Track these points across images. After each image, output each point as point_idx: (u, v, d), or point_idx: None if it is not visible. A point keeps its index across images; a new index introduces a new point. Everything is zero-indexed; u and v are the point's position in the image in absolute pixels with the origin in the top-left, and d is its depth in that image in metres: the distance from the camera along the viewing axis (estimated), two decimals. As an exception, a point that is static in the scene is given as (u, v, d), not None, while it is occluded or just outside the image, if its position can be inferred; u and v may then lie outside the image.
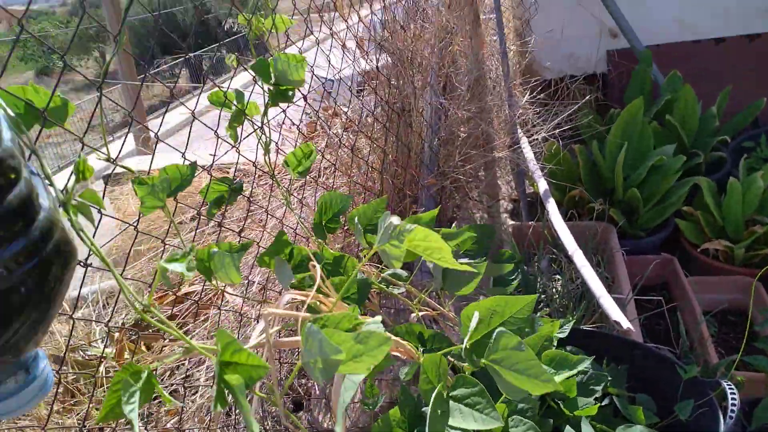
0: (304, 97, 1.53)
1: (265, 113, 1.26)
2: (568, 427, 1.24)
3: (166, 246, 1.20)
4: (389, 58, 1.98)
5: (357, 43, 2.27)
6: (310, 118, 2.82)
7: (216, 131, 1.21)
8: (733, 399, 1.34)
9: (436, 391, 0.76)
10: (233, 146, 1.26)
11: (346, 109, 2.10)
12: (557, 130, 2.01)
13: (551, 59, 2.90)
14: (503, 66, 2.32)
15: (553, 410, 1.39)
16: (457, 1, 2.13)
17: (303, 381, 1.80)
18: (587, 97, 2.28)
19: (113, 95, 9.31)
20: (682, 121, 2.47)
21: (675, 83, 2.57)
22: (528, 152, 2.15)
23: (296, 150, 1.26)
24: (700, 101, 2.53)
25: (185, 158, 1.07)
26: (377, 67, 1.75)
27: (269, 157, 1.28)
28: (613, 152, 2.24)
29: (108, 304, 2.40)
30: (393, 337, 0.82)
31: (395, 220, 0.69)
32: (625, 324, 1.32)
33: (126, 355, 1.91)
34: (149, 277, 2.41)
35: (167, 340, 1.86)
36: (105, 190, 1.33)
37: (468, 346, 0.78)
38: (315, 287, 0.77)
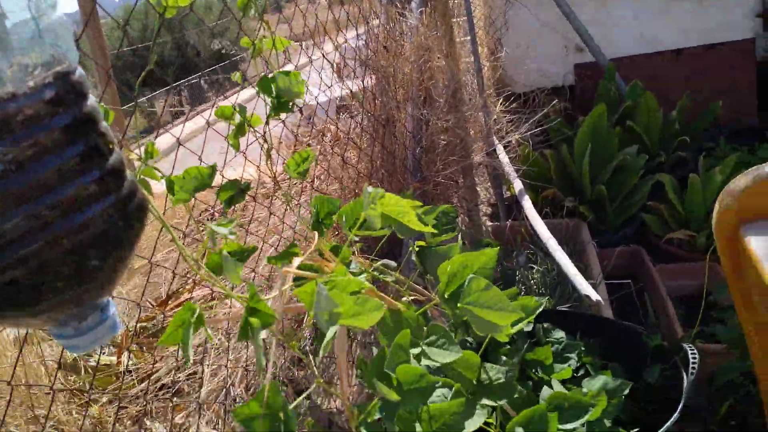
0: (300, 110, 1.70)
1: (267, 122, 1.42)
2: (545, 387, 1.40)
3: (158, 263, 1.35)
4: (373, 76, 2.17)
5: (337, 67, 2.45)
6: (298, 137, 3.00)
7: (200, 156, 1.38)
8: (693, 358, 1.50)
9: (399, 335, 0.92)
10: (241, 152, 1.43)
11: (333, 126, 2.28)
12: (528, 132, 2.19)
13: (522, 73, 3.11)
14: (478, 79, 2.51)
15: (532, 379, 1.55)
16: (432, 20, 2.33)
17: (303, 372, 1.94)
18: (554, 101, 2.48)
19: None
20: (645, 125, 2.68)
21: (636, 91, 2.78)
22: (503, 156, 2.34)
23: (295, 155, 1.43)
24: (661, 107, 2.74)
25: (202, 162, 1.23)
26: (362, 81, 1.92)
27: (270, 163, 1.44)
28: (581, 154, 2.43)
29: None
30: (384, 297, 0.98)
31: (370, 189, 0.85)
32: (594, 296, 1.49)
33: (124, 359, 2.04)
34: (152, 293, 2.54)
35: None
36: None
37: (446, 296, 0.94)
38: (314, 246, 0.93)
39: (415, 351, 0.96)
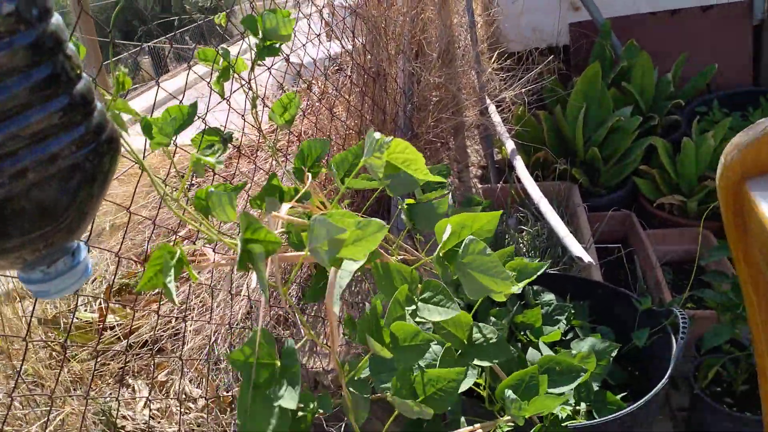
0: (287, 59, 1.62)
1: (252, 69, 1.35)
2: (531, 349, 1.38)
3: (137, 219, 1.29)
4: (363, 27, 2.09)
5: (326, 23, 2.36)
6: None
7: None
8: (683, 323, 1.48)
9: (398, 290, 0.88)
10: (224, 99, 1.35)
11: (321, 79, 2.20)
12: (522, 90, 2.14)
13: (516, 32, 3.03)
14: (471, 35, 2.44)
15: (521, 342, 1.53)
16: (426, -28, 2.24)
17: (289, 331, 1.91)
18: (549, 58, 2.42)
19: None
20: (640, 86, 2.63)
21: (632, 52, 2.72)
22: (496, 116, 2.28)
23: (281, 98, 1.35)
24: (656, 68, 2.69)
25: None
26: (353, 31, 1.85)
27: (256, 113, 1.37)
28: (575, 115, 2.38)
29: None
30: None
31: (377, 135, 0.79)
32: (587, 258, 1.46)
33: (110, 318, 1.99)
34: (131, 250, 2.48)
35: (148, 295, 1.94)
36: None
37: (441, 254, 0.90)
38: (304, 189, 0.88)
39: (409, 308, 0.92)
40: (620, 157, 2.40)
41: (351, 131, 2.04)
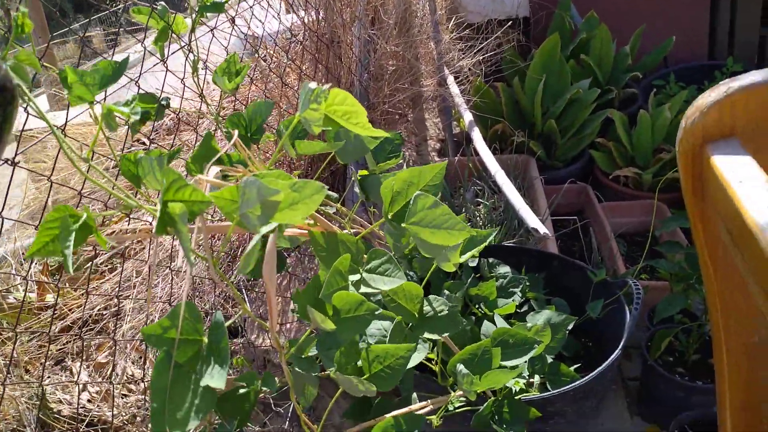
0: (231, 20, 1.53)
1: (193, 30, 1.26)
2: (486, 322, 1.34)
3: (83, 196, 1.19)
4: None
5: None
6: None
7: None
8: (637, 293, 1.47)
9: (338, 260, 0.82)
10: (161, 61, 1.26)
11: (273, 44, 2.10)
12: (481, 59, 2.09)
13: (475, 3, 2.97)
14: (429, 4, 2.37)
15: (476, 315, 1.50)
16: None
17: (237, 309, 1.84)
18: (508, 30, 2.37)
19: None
20: (598, 59, 2.60)
21: (592, 23, 2.69)
22: (454, 87, 2.23)
23: (227, 58, 1.26)
24: (614, 41, 2.67)
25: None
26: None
27: (197, 77, 1.28)
28: (533, 87, 2.34)
29: (25, 261, 2.33)
30: (319, 218, 0.87)
31: (313, 84, 0.72)
32: (542, 230, 1.42)
33: (49, 297, 1.89)
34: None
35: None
36: (18, 145, 1.30)
37: (390, 217, 0.84)
38: (231, 146, 0.81)
39: (355, 278, 0.87)
40: (577, 130, 2.38)
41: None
